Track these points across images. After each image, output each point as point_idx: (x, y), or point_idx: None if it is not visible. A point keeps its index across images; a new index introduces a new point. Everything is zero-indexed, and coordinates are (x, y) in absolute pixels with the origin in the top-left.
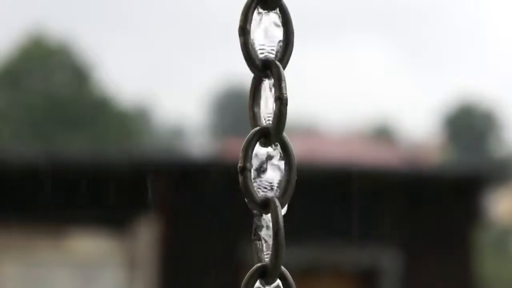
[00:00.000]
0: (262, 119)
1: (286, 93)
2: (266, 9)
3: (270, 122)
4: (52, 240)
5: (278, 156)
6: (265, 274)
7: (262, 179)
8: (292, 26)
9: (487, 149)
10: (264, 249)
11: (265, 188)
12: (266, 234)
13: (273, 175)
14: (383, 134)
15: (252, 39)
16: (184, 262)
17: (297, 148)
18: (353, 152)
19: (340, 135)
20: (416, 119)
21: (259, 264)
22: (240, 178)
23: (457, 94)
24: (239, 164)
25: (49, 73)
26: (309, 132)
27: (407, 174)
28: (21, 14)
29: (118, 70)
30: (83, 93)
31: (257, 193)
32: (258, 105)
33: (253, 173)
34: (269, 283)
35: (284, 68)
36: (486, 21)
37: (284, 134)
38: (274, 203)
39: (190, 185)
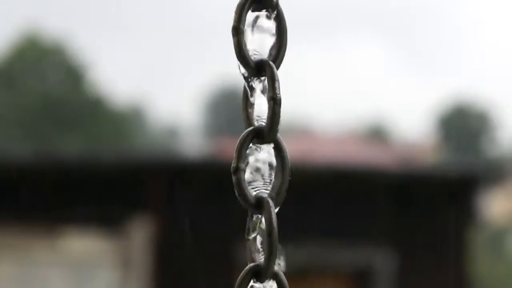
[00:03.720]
0: (256, 119)
1: (279, 93)
2: (260, 9)
3: (264, 122)
4: (46, 239)
5: (271, 156)
6: (259, 274)
7: (255, 179)
8: (285, 26)
9: (481, 149)
10: (258, 249)
11: (259, 188)
12: (260, 234)
13: (267, 175)
14: (377, 135)
15: (246, 39)
16: (178, 262)
17: (291, 148)
18: (347, 152)
19: (334, 135)
20: (410, 119)
21: (252, 264)
22: (234, 178)
23: (451, 94)
24: (233, 164)
25: (44, 73)
26: (303, 132)
27: (401, 174)
28: (16, 14)
29: (113, 70)
30: (78, 93)
31: (251, 193)
32: (252, 105)
33: (246, 173)
34: (263, 283)
35: (277, 68)
36: (481, 22)
37: (278, 134)
38: (268, 203)
39: (184, 185)
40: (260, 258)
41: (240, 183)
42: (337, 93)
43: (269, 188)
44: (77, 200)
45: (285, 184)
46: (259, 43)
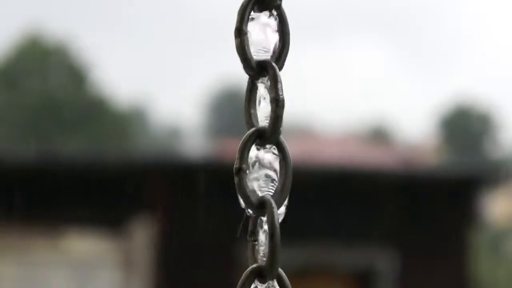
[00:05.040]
0: (258, 120)
1: (282, 94)
2: (263, 10)
3: (267, 123)
4: (48, 240)
5: (274, 157)
6: (261, 274)
7: (258, 180)
8: (288, 27)
9: (483, 150)
10: (260, 250)
11: (261, 189)
12: (262, 235)
13: (269, 176)
14: (379, 135)
15: (248, 40)
16: (180, 263)
17: (294, 149)
18: (349, 153)
19: (336, 136)
20: (412, 120)
21: (255, 265)
22: (236, 179)
23: (453, 95)
24: (235, 165)
25: (46, 73)
26: (305, 133)
27: (403, 176)
28: (18, 14)
29: (115, 71)
30: (80, 94)
31: (253, 194)
32: (254, 106)
33: (249, 174)
34: (265, 284)
35: (280, 69)
36: (483, 22)
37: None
38: (270, 204)
39: (186, 186)
40: (263, 259)
41: (242, 184)
42: (339, 94)
43: (271, 189)
44: (79, 201)
45: (287, 185)
46: (262, 44)
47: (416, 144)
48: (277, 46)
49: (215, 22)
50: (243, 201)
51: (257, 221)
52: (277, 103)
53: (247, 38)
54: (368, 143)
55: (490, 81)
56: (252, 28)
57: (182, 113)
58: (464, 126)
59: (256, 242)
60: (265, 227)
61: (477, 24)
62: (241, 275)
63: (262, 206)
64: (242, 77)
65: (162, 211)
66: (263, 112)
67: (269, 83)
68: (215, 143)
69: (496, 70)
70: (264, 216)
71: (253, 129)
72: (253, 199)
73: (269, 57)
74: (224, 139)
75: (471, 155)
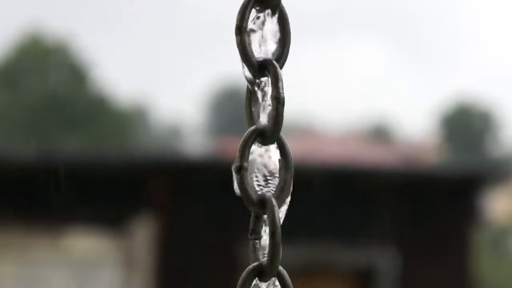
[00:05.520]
0: (259, 118)
1: (283, 93)
2: (264, 8)
3: (267, 122)
4: (49, 239)
5: (275, 156)
6: (262, 273)
7: (259, 178)
8: (289, 26)
9: (484, 149)
10: (261, 248)
11: (262, 187)
12: (263, 233)
13: (270, 174)
14: (380, 134)
15: (249, 39)
16: (180, 261)
17: (294, 147)
18: (350, 152)
19: (337, 135)
20: (413, 119)
21: (255, 263)
22: (237, 178)
23: (454, 94)
24: (236, 164)
25: (47, 72)
26: (306, 131)
27: (404, 174)
28: (19, 13)
29: (116, 69)
30: (81, 92)
31: (254, 192)
32: (255, 104)
33: (250, 172)
34: (266, 282)
35: (281, 67)
36: (484, 22)
37: (281, 133)
38: (271, 202)
39: (187, 184)
40: (263, 258)
41: (243, 183)
42: (341, 93)
43: (272, 188)
44: (79, 200)
45: (288, 184)
46: (263, 43)
47: (417, 142)
48: (278, 44)
49: (215, 22)
50: (244, 199)
51: (258, 219)
52: (278, 102)
53: (248, 37)
54: (369, 141)
55: (490, 80)
56: (253, 27)
57: (183, 112)
58: (465, 125)
59: (257, 241)
60: (266, 225)
61: (477, 24)
62: (242, 274)
63: (263, 204)
64: (242, 76)
65: (163, 210)
66: (264, 110)
67: (270, 81)
68: (216, 141)
69: (496, 70)
70: (265, 214)
71: (253, 127)
72: (254, 197)
73: (269, 56)
74: (225, 138)
75: (472, 154)
